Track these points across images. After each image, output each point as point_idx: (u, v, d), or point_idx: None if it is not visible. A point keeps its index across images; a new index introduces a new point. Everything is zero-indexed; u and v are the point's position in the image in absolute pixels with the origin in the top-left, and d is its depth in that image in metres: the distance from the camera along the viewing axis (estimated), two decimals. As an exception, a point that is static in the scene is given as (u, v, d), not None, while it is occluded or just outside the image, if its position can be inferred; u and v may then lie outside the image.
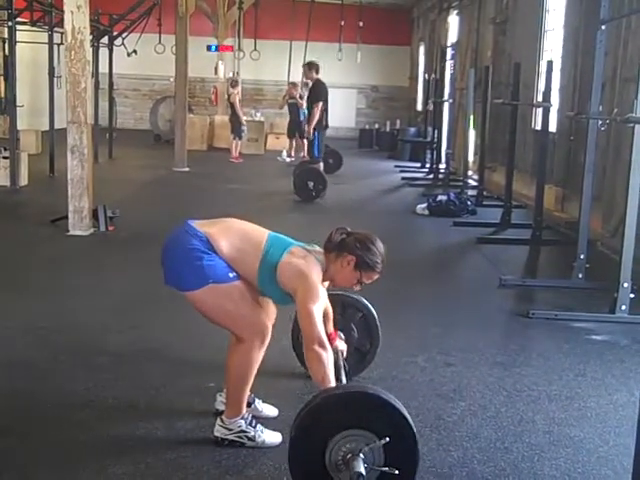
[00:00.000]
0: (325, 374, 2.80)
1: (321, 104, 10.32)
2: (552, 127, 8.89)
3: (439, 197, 9.75)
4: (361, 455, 2.54)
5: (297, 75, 16.81)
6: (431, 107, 14.75)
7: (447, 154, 13.90)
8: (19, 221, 8.06)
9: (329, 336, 3.18)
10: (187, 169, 12.91)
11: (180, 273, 3.02)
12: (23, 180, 10.16)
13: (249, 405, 3.27)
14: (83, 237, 7.24)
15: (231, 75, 20.41)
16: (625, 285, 5.11)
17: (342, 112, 19.81)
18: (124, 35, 14.26)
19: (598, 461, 3.18)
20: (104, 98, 14.50)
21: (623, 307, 5.13)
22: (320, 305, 2.93)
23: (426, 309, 5.43)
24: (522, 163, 10.31)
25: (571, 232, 7.27)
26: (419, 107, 19.71)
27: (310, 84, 10.81)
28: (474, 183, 11.50)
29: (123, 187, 10.59)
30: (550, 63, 7.59)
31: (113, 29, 13.87)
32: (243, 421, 3.12)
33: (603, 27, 5.76)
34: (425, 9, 19.72)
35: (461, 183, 11.51)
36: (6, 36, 10.98)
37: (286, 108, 15.59)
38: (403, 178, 13.47)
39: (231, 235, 3.07)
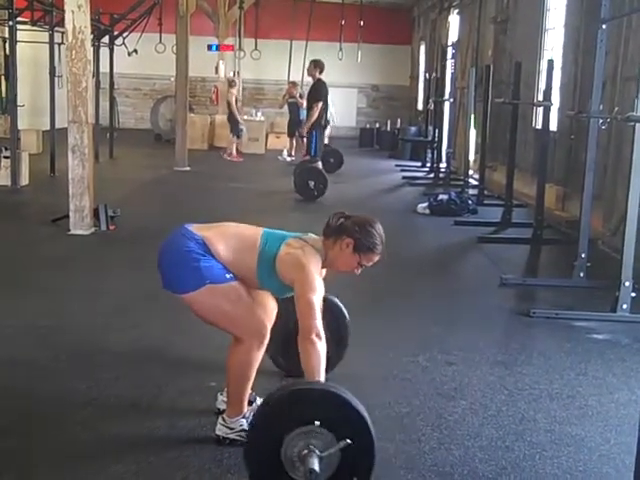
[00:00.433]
0: (317, 366, 2.77)
1: (321, 104, 10.32)
2: (553, 126, 8.89)
3: (440, 196, 9.74)
4: (316, 452, 2.54)
5: (297, 74, 16.82)
6: (432, 106, 14.74)
7: (448, 153, 13.89)
8: (20, 221, 8.07)
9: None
10: (188, 168, 12.92)
11: (177, 275, 3.04)
12: (24, 180, 10.16)
13: (250, 404, 3.27)
14: (84, 236, 7.25)
15: (231, 74, 20.43)
16: (626, 284, 5.11)
17: (343, 111, 19.81)
18: (125, 34, 14.26)
19: (599, 459, 3.18)
20: (105, 98, 14.51)
21: (624, 306, 5.12)
22: (319, 296, 2.93)
23: (427, 308, 5.43)
24: (523, 162, 10.30)
25: (572, 231, 7.26)
26: (420, 106, 19.69)
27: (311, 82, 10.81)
28: (475, 182, 11.49)
29: (124, 186, 10.59)
30: (551, 62, 7.59)
31: (114, 28, 13.86)
32: (244, 420, 3.12)
33: (604, 26, 5.75)
34: (426, 8, 19.71)
35: (462, 182, 11.51)
36: (7, 36, 10.97)
37: (286, 107, 15.60)
38: (404, 177, 13.47)
39: (227, 237, 3.09)
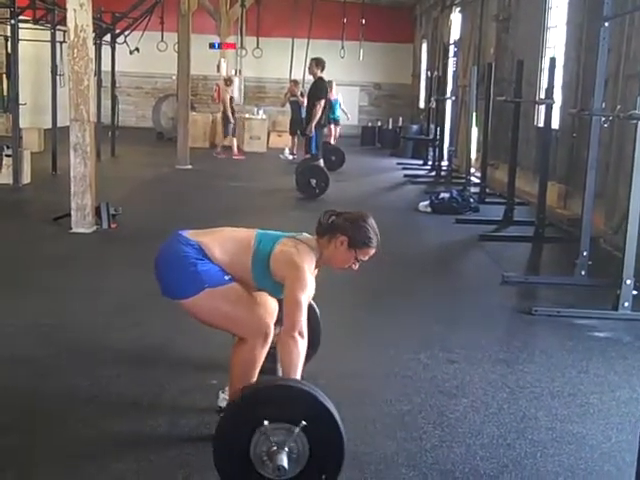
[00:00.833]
0: (296, 364, 2.78)
1: (323, 102, 10.32)
2: (555, 124, 8.89)
3: (441, 194, 9.74)
4: (285, 448, 2.55)
5: (299, 73, 16.79)
6: (434, 104, 14.74)
7: (449, 151, 13.88)
8: (22, 219, 8.07)
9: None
10: (190, 167, 12.92)
11: (175, 281, 3.05)
12: (26, 178, 10.17)
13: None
14: (86, 235, 7.25)
15: (233, 72, 20.43)
16: (628, 282, 5.11)
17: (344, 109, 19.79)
18: (126, 33, 14.26)
19: (601, 457, 3.18)
20: (106, 96, 14.51)
21: (626, 304, 5.12)
22: (308, 295, 2.94)
23: (428, 306, 5.43)
24: (525, 160, 10.29)
25: (574, 229, 7.26)
26: (422, 104, 19.69)
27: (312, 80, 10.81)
28: (476, 180, 11.49)
29: (126, 185, 10.59)
30: (553, 60, 7.59)
31: (115, 27, 13.87)
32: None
33: (606, 24, 5.75)
34: (428, 6, 19.70)
35: (463, 180, 11.49)
36: (9, 34, 10.96)
37: (288, 106, 15.60)
38: (405, 175, 13.47)
39: (222, 241, 3.11)
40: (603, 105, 5.94)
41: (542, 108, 8.88)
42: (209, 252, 3.04)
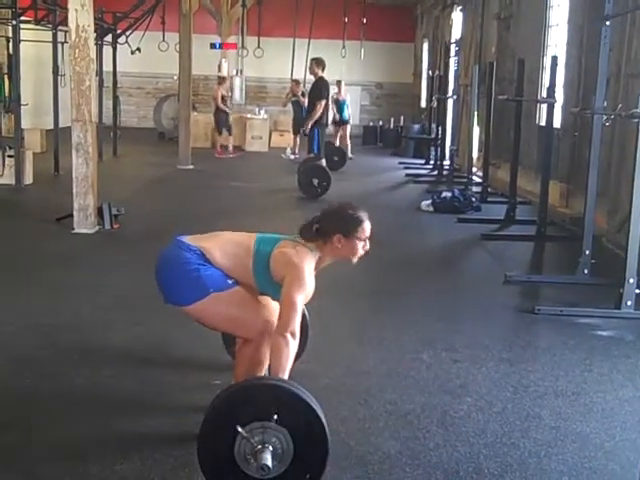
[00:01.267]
0: (285, 364, 2.78)
1: (324, 102, 10.32)
2: (557, 123, 8.89)
3: (443, 193, 9.73)
4: (269, 447, 2.54)
5: (300, 72, 16.79)
6: (435, 104, 14.73)
7: (451, 150, 13.86)
8: (24, 219, 8.07)
9: None
10: (191, 167, 12.92)
11: (179, 288, 3.06)
12: (28, 178, 10.18)
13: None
14: (88, 235, 7.26)
15: (234, 73, 20.44)
16: (631, 281, 5.10)
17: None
18: (128, 33, 14.26)
19: (605, 456, 3.18)
20: (108, 96, 14.53)
21: (629, 303, 5.12)
22: (305, 296, 2.95)
23: (431, 305, 5.43)
24: (526, 159, 10.29)
25: (576, 228, 7.26)
26: (423, 104, 19.68)
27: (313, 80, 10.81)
28: (478, 179, 11.49)
29: (128, 185, 10.60)
30: (555, 59, 7.59)
31: (117, 27, 13.88)
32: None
33: (608, 23, 5.75)
34: (429, 5, 19.69)
35: (465, 179, 11.51)
36: (10, 35, 10.97)
37: (290, 105, 15.60)
38: (407, 175, 13.46)
39: (223, 245, 3.12)
40: (605, 104, 5.93)
41: (544, 107, 8.88)
42: (210, 257, 3.05)
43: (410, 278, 6.27)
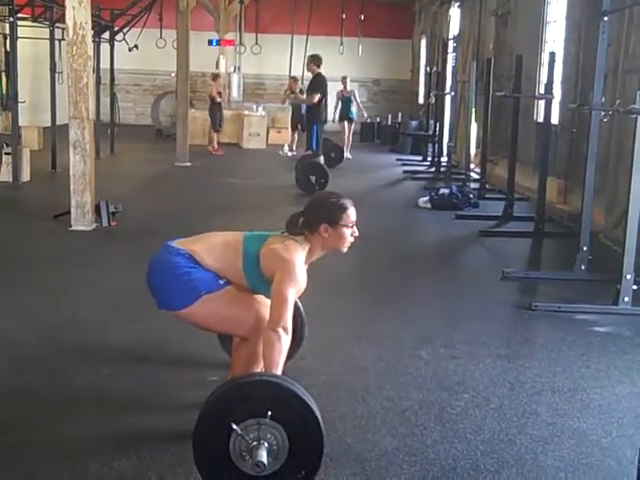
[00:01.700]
0: (277, 359, 2.77)
1: (318, 96, 10.29)
2: (554, 119, 8.88)
3: (441, 190, 9.74)
4: (264, 444, 2.55)
5: (298, 69, 16.78)
6: (433, 100, 14.72)
7: (449, 147, 13.87)
8: (22, 217, 8.07)
9: None
10: (189, 164, 12.91)
11: (170, 293, 3.06)
12: (25, 176, 10.17)
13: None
14: (86, 232, 7.25)
15: (232, 69, 20.41)
16: (628, 277, 5.11)
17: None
18: (125, 30, 14.24)
19: (602, 452, 3.18)
20: (105, 93, 14.50)
21: (626, 299, 5.12)
22: (296, 290, 2.95)
23: (429, 302, 5.43)
24: (524, 155, 10.29)
25: (573, 224, 7.26)
26: (421, 100, 19.65)
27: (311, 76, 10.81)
28: (476, 176, 11.48)
29: (125, 182, 10.59)
30: (552, 55, 7.58)
31: (114, 24, 13.85)
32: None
33: (605, 18, 5.74)
34: (426, 1, 19.65)
35: (463, 176, 11.50)
36: (7, 32, 10.96)
37: (288, 102, 15.58)
38: (405, 171, 13.46)
39: (212, 247, 3.12)
40: (603, 100, 5.93)
41: (541, 103, 8.88)
42: (200, 259, 3.05)
43: (408, 275, 6.27)
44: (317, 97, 10.25)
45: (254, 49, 17.64)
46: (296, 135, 15.41)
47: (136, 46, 15.03)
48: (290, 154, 15.02)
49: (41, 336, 4.34)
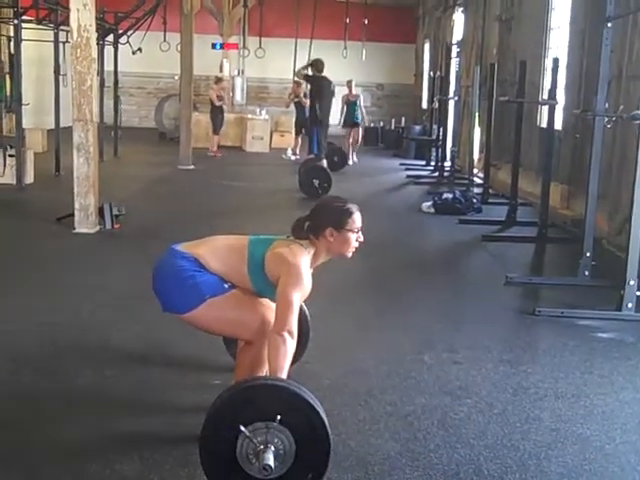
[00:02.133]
0: (282, 363, 2.76)
1: (315, 101, 10.33)
2: (558, 125, 8.88)
3: (444, 195, 9.73)
4: (272, 447, 2.54)
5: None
6: (436, 105, 14.73)
7: (452, 152, 13.88)
8: (25, 219, 8.07)
9: None
10: (192, 167, 12.92)
11: (176, 296, 3.07)
12: (29, 178, 10.18)
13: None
14: (89, 235, 7.26)
15: (236, 73, 20.44)
16: (631, 283, 5.10)
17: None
18: (129, 33, 14.26)
19: (605, 458, 3.18)
20: (109, 96, 14.52)
21: (629, 305, 5.12)
22: (301, 294, 2.95)
23: (432, 307, 5.43)
24: (528, 161, 10.29)
25: (577, 230, 7.26)
26: (424, 105, 19.68)
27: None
28: (479, 181, 11.48)
29: (129, 185, 10.60)
30: (556, 60, 7.58)
31: (118, 27, 13.88)
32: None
33: (609, 24, 5.74)
34: (430, 6, 19.69)
35: (466, 181, 11.51)
36: (12, 34, 10.97)
37: (292, 106, 15.60)
38: (408, 176, 13.45)
39: (217, 250, 3.13)
40: (606, 106, 5.93)
41: (545, 109, 8.87)
42: (205, 263, 3.06)
43: (411, 279, 6.27)
44: (307, 101, 10.31)
45: (258, 53, 17.66)
46: (300, 139, 15.42)
47: (140, 49, 15.05)
48: (294, 158, 15.02)
49: (43, 337, 4.34)
